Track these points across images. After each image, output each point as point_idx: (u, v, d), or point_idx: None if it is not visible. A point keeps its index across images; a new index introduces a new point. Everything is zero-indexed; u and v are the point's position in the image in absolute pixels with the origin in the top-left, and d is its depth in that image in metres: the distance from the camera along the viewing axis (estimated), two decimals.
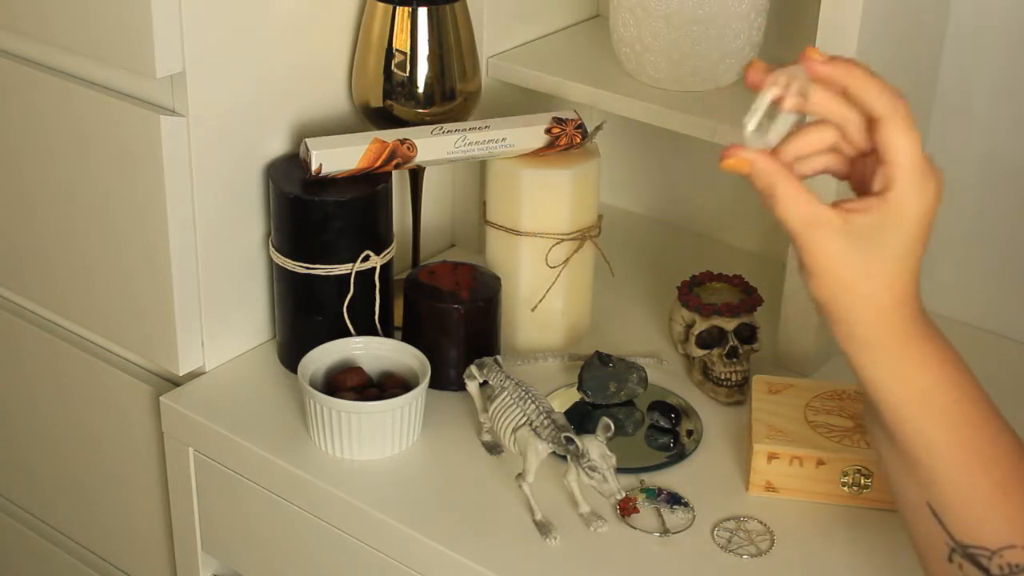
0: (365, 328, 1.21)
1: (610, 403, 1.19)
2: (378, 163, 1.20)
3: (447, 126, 1.22)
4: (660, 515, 1.08)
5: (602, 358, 1.19)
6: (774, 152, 0.82)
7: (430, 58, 1.24)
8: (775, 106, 0.80)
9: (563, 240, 1.25)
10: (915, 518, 0.87)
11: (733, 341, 1.20)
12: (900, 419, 0.84)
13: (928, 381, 0.83)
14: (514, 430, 1.07)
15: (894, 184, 0.80)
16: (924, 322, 0.84)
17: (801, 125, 0.83)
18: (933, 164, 0.82)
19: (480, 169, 1.37)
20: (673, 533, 1.06)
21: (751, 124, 0.80)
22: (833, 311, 0.83)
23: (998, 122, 1.27)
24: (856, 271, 0.81)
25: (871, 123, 0.81)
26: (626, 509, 1.07)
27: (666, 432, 1.18)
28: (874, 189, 0.81)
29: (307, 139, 1.19)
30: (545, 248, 1.25)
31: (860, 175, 0.84)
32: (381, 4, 1.23)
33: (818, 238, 0.81)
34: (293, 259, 1.20)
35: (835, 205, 0.81)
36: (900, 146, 0.80)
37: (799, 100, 0.80)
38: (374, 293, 1.21)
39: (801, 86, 0.79)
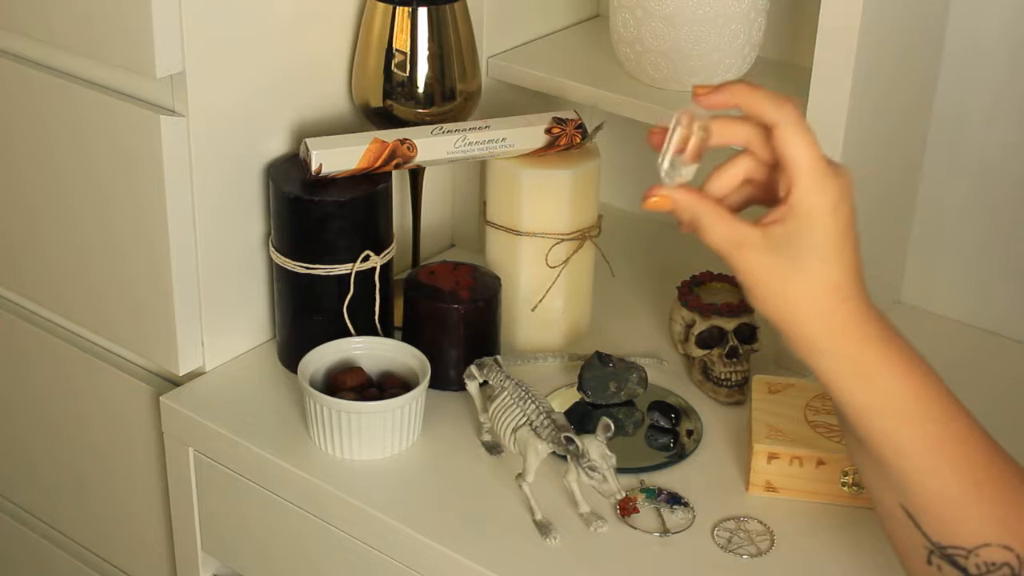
0: (365, 328, 1.21)
1: (610, 403, 1.19)
2: (378, 163, 1.20)
3: (447, 126, 1.22)
4: (660, 515, 1.08)
5: (602, 358, 1.19)
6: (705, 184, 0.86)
7: (430, 58, 1.24)
8: (682, 147, 0.85)
9: (563, 240, 1.25)
10: (892, 522, 0.87)
11: (733, 341, 1.20)
12: (866, 422, 0.84)
13: (890, 382, 0.83)
14: (514, 430, 1.07)
15: (795, 185, 0.82)
16: (878, 323, 0.84)
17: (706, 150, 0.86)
18: (835, 163, 0.83)
19: (480, 169, 1.37)
20: (673, 533, 1.06)
21: (665, 163, 0.85)
22: (783, 324, 0.84)
23: (997, 124, 1.27)
24: (788, 280, 0.83)
25: (769, 133, 0.83)
26: (626, 509, 1.07)
27: (666, 432, 1.18)
28: (780, 195, 0.83)
29: (307, 139, 1.19)
30: (545, 248, 1.25)
31: (775, 192, 0.86)
32: (381, 4, 1.23)
33: (747, 257, 0.83)
34: (293, 259, 1.20)
35: (755, 223, 0.84)
36: (793, 147, 0.82)
37: (703, 134, 0.84)
38: (374, 293, 1.21)
39: (702, 120, 0.84)
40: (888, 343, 0.84)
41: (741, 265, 0.84)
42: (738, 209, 0.89)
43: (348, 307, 1.20)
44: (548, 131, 1.23)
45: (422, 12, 1.23)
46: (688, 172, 0.85)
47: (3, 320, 1.40)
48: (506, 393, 1.09)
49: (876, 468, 0.86)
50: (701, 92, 0.85)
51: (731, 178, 0.87)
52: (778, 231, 0.83)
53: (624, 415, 1.19)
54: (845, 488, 1.08)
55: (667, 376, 1.25)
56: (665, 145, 0.85)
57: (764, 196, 0.88)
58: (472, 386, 1.15)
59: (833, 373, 0.84)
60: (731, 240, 0.84)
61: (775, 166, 0.85)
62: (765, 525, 1.07)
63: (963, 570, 0.83)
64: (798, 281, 0.83)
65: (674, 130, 0.84)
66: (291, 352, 1.22)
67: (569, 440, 1.02)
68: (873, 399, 0.83)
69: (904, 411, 0.83)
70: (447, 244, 1.46)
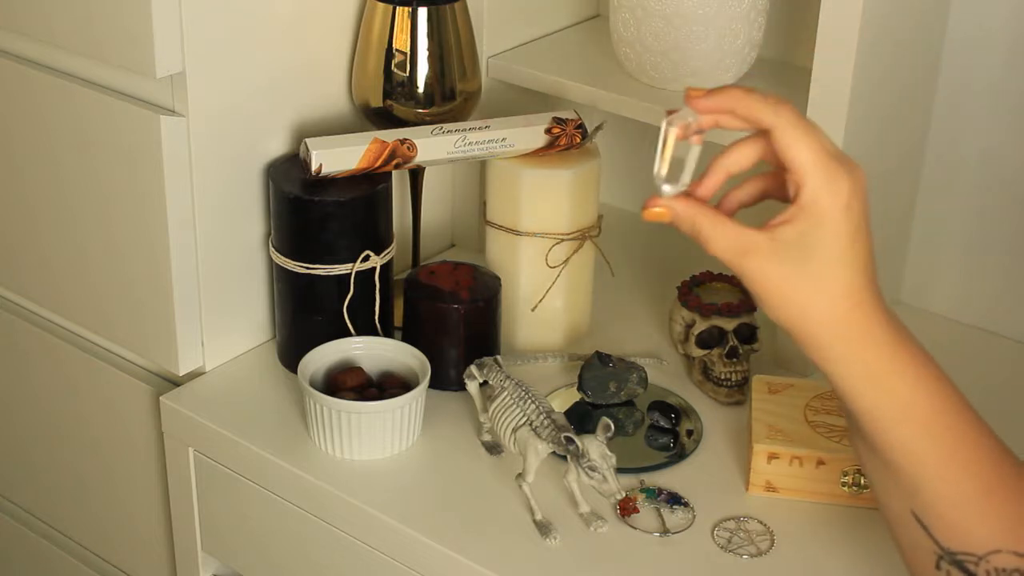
0: (365, 328, 1.21)
1: (610, 403, 1.19)
2: (378, 163, 1.20)
3: (447, 126, 1.22)
4: (660, 515, 1.08)
5: (602, 358, 1.19)
6: (701, 179, 0.84)
7: (430, 58, 1.24)
8: (681, 146, 0.83)
9: (563, 240, 1.25)
10: (901, 526, 0.87)
11: (733, 341, 1.20)
12: (878, 427, 0.83)
13: (902, 386, 0.82)
14: (514, 430, 1.07)
15: (802, 185, 0.80)
16: (891, 325, 0.83)
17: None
18: (846, 157, 0.82)
19: (480, 169, 1.37)
20: (673, 533, 1.06)
21: (661, 170, 0.83)
22: (795, 329, 0.83)
23: (998, 122, 1.27)
24: (800, 285, 0.81)
25: (768, 136, 0.82)
26: (626, 509, 1.07)
27: (666, 432, 1.18)
28: (791, 197, 0.82)
29: (307, 139, 1.19)
30: (545, 248, 1.25)
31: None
32: (381, 4, 1.23)
33: (755, 264, 0.82)
34: (293, 259, 1.20)
35: (762, 227, 0.82)
36: (795, 147, 0.80)
37: (698, 136, 0.83)
38: (374, 293, 1.21)
39: (695, 123, 0.83)
40: (901, 347, 0.83)
41: (749, 272, 0.82)
42: (752, 203, 0.88)
43: (348, 307, 1.20)
44: (548, 131, 1.23)
45: (422, 12, 1.23)
46: (687, 176, 0.84)
47: (3, 320, 1.40)
48: (506, 393, 1.09)
49: (886, 472, 0.85)
50: (694, 95, 0.83)
51: (739, 159, 0.85)
52: (788, 233, 0.81)
53: (624, 415, 1.19)
54: (845, 488, 1.08)
55: (667, 376, 1.25)
56: (658, 153, 0.83)
57: (781, 193, 0.86)
58: (472, 386, 1.15)
59: (846, 378, 0.83)
60: (736, 248, 0.82)
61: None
62: (765, 525, 1.07)
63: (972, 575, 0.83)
64: (810, 285, 0.81)
65: (666, 137, 0.83)
66: (291, 352, 1.22)
67: (569, 440, 1.02)
68: (886, 404, 0.83)
69: (917, 417, 0.82)
70: (447, 244, 1.46)
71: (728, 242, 0.82)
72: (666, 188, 0.84)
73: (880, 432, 0.83)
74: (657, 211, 0.84)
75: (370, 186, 1.19)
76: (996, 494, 0.83)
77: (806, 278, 0.81)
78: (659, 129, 0.84)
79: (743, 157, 0.85)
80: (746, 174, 0.87)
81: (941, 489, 0.83)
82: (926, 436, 0.83)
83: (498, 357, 1.15)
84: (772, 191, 0.87)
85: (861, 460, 0.89)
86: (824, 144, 0.81)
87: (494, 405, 1.10)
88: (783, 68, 1.33)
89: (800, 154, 0.80)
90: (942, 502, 0.83)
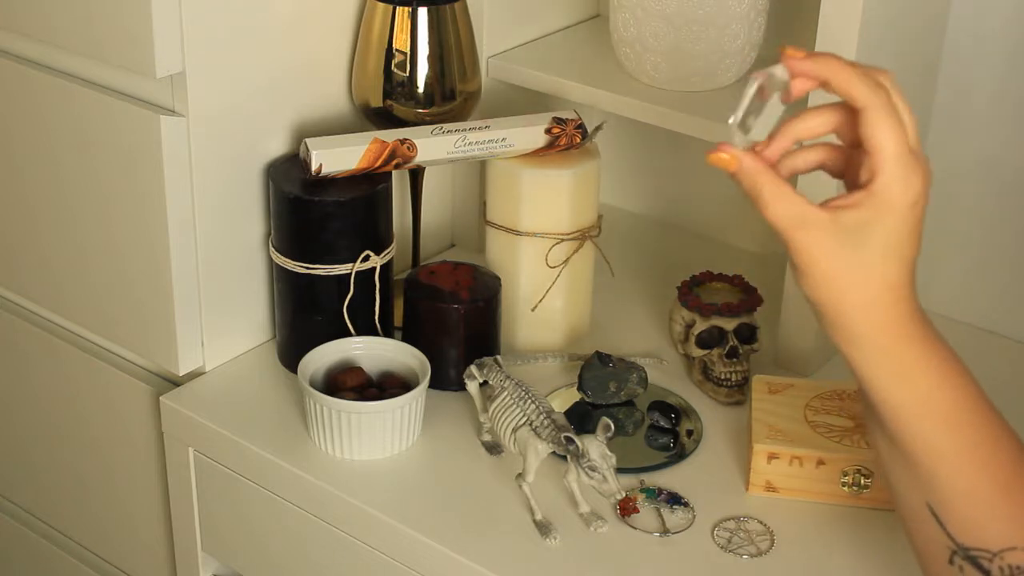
0: (365, 328, 1.21)
1: (610, 403, 1.19)
2: (378, 163, 1.20)
3: (447, 126, 1.22)
4: (660, 515, 1.08)
5: (602, 358, 1.19)
6: (769, 140, 0.82)
7: (430, 58, 1.24)
8: (760, 103, 0.81)
9: (563, 240, 1.25)
10: (915, 520, 0.87)
11: (733, 341, 1.20)
12: (901, 420, 0.83)
13: (929, 382, 0.82)
14: (514, 430, 1.07)
15: (878, 173, 0.79)
16: (923, 322, 0.84)
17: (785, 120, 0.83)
18: (922, 154, 0.81)
19: (480, 169, 1.37)
20: (673, 533, 1.06)
21: (736, 119, 0.81)
22: (830, 311, 0.82)
23: (998, 123, 1.27)
24: (850, 269, 0.80)
25: (855, 114, 0.80)
26: (626, 509, 1.07)
27: (666, 432, 1.18)
28: (861, 181, 0.81)
29: (307, 139, 1.19)
30: (545, 248, 1.25)
31: (854, 173, 0.84)
32: (381, 4, 1.23)
33: (808, 239, 0.80)
34: (293, 259, 1.20)
35: (824, 204, 0.81)
36: (882, 134, 0.79)
37: (785, 95, 0.80)
38: (374, 293, 1.21)
39: (782, 84, 0.80)
40: (930, 343, 0.83)
41: (800, 245, 0.81)
42: (807, 172, 0.86)
43: (348, 307, 1.20)
44: (548, 131, 1.23)
45: (422, 12, 1.23)
46: (759, 132, 0.81)
47: (3, 320, 1.40)
48: (506, 393, 1.09)
49: (903, 465, 0.85)
50: (793, 55, 0.81)
51: (810, 128, 0.83)
52: (850, 217, 0.80)
53: (624, 415, 1.19)
54: (845, 488, 1.08)
55: (667, 376, 1.25)
56: (740, 101, 0.80)
57: (837, 167, 0.85)
58: (472, 386, 1.15)
59: (873, 368, 0.83)
60: (793, 219, 0.80)
61: (857, 146, 0.82)
62: (765, 525, 1.07)
63: (986, 572, 0.83)
64: (860, 271, 0.80)
65: (751, 89, 0.80)
66: (291, 352, 1.22)
67: (569, 440, 1.02)
68: (911, 399, 0.82)
69: (940, 412, 0.82)
70: (447, 244, 1.46)
71: (786, 211, 0.81)
72: (738, 139, 0.81)
73: (901, 424, 0.83)
74: (724, 157, 0.81)
75: (370, 186, 1.19)
76: (1013, 492, 0.83)
77: (858, 264, 0.80)
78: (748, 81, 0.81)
79: (816, 126, 0.83)
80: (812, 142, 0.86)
81: (959, 484, 0.83)
82: (947, 431, 0.83)
83: (498, 357, 1.15)
84: (829, 164, 0.86)
85: (877, 452, 0.88)
86: (908, 135, 0.80)
87: (494, 405, 1.10)
88: None
89: (886, 142, 0.79)
90: (959, 497, 0.83)
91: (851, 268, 0.81)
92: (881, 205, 0.80)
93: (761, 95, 0.81)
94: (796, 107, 0.86)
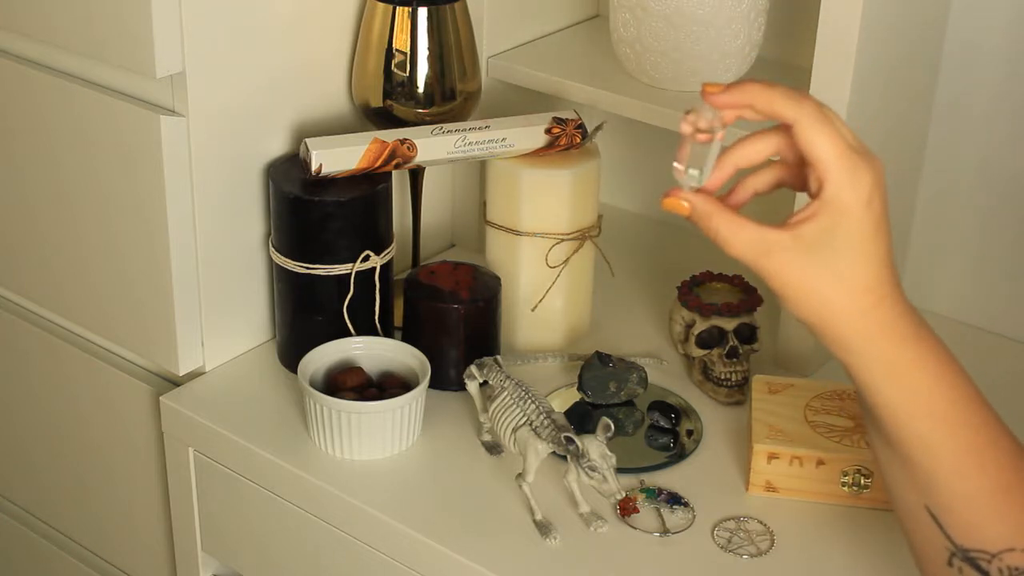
0: (365, 328, 1.21)
1: (610, 403, 1.19)
2: (378, 163, 1.20)
3: (447, 126, 1.22)
4: (660, 515, 1.08)
5: (602, 358, 1.19)
6: (713, 173, 0.83)
7: (430, 58, 1.24)
8: (703, 144, 0.83)
9: (563, 240, 1.25)
10: (913, 522, 0.87)
11: (733, 341, 1.20)
12: (897, 422, 0.83)
13: (925, 382, 0.82)
14: (514, 430, 1.07)
15: (825, 181, 0.80)
16: (914, 321, 0.83)
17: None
18: (867, 150, 0.81)
19: (480, 169, 1.37)
20: (673, 533, 1.06)
21: (681, 164, 0.83)
22: (817, 325, 0.83)
23: (998, 123, 1.27)
24: (823, 281, 0.81)
25: (789, 131, 0.81)
26: (626, 509, 1.07)
27: (666, 432, 1.18)
28: (811, 192, 0.82)
29: (307, 139, 1.19)
30: (545, 248, 1.25)
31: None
32: (381, 4, 1.23)
33: (776, 263, 0.81)
34: (293, 259, 1.20)
35: (782, 225, 0.82)
36: (816, 142, 0.80)
37: (721, 132, 0.82)
38: (374, 293, 1.21)
39: (715, 119, 0.82)
40: (922, 341, 0.83)
41: (771, 271, 0.82)
42: (767, 191, 0.87)
43: (348, 307, 1.20)
44: (548, 131, 1.23)
45: (422, 12, 1.23)
46: (703, 175, 0.83)
47: (3, 320, 1.40)
48: (506, 393, 1.09)
49: (902, 467, 0.85)
50: (712, 91, 0.82)
51: (756, 152, 0.84)
52: (810, 229, 0.81)
53: (624, 415, 1.19)
54: (845, 488, 1.08)
55: (667, 376, 1.25)
56: (681, 148, 0.83)
57: (797, 183, 0.86)
58: (472, 386, 1.15)
59: (866, 372, 0.83)
60: (756, 250, 0.82)
61: (803, 162, 0.83)
62: (765, 525, 1.07)
63: (985, 573, 0.83)
64: (833, 281, 0.81)
65: (688, 131, 0.82)
66: (291, 352, 1.22)
67: (569, 440, 1.02)
68: (906, 399, 0.82)
69: (936, 412, 0.82)
70: (447, 244, 1.46)
71: (747, 243, 0.82)
72: (686, 182, 0.83)
73: (898, 426, 0.83)
74: (673, 201, 0.83)
75: (370, 186, 1.19)
76: (1012, 492, 0.83)
77: (829, 274, 0.81)
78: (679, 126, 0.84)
79: (754, 152, 0.85)
80: (756, 168, 0.87)
81: (957, 485, 0.83)
82: (944, 431, 0.82)
83: (498, 357, 1.15)
84: (787, 180, 0.87)
85: (876, 454, 0.88)
86: (845, 137, 0.81)
87: (494, 405, 1.10)
88: (783, 68, 1.33)
89: (823, 150, 0.80)
90: (957, 499, 0.83)
91: (824, 279, 0.81)
92: (835, 211, 0.80)
93: (699, 136, 0.82)
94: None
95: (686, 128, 0.82)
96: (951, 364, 0.84)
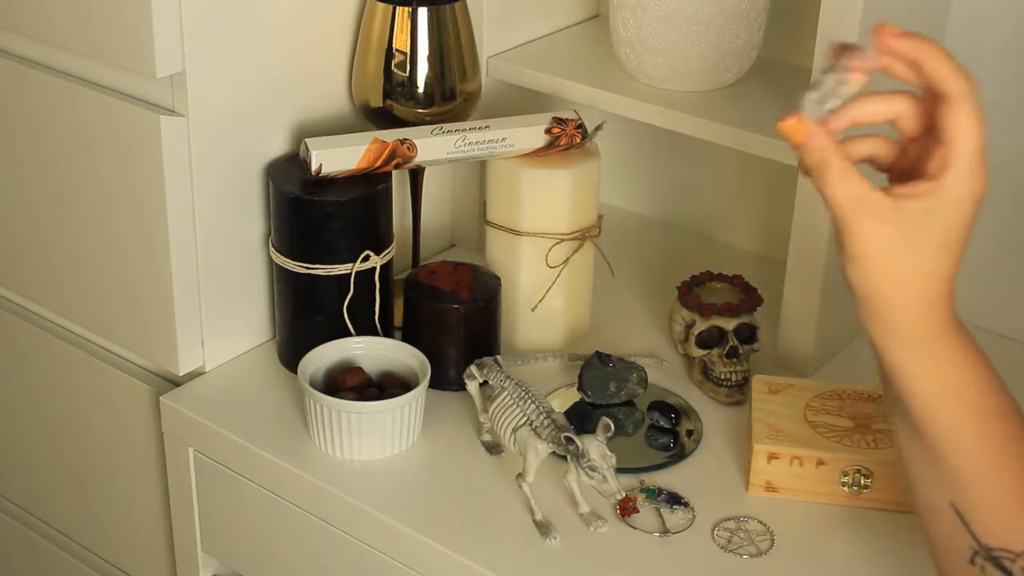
0: (365, 328, 1.21)
1: (610, 403, 1.19)
2: (378, 163, 1.20)
3: (447, 126, 1.22)
4: (660, 515, 1.08)
5: (602, 358, 1.19)
6: (831, 118, 0.80)
7: (430, 58, 1.24)
8: (839, 80, 0.79)
9: (563, 240, 1.25)
10: (936, 518, 0.85)
11: (733, 341, 1.20)
12: (931, 415, 0.82)
13: (962, 377, 0.82)
14: (514, 430, 1.07)
15: (951, 167, 0.78)
16: (957, 319, 0.83)
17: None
18: (986, 156, 0.79)
19: (480, 169, 1.37)
20: (673, 533, 1.06)
21: (814, 91, 0.79)
22: (875, 301, 0.80)
23: (997, 127, 1.26)
24: (908, 260, 0.79)
25: (939, 102, 0.78)
26: (626, 509, 1.07)
27: (666, 432, 1.18)
28: (929, 171, 0.79)
29: (307, 139, 1.19)
30: (545, 248, 1.25)
31: (903, 166, 0.82)
32: (381, 4, 1.23)
33: (866, 224, 0.78)
34: (293, 259, 1.20)
35: (885, 190, 0.79)
36: (967, 127, 0.77)
37: (865, 77, 0.78)
38: (374, 293, 1.21)
39: (868, 60, 0.78)
40: (965, 340, 0.83)
41: (858, 230, 0.78)
42: (855, 161, 0.83)
43: (348, 307, 1.20)
44: (548, 131, 1.23)
45: (422, 12, 1.23)
46: (833, 106, 0.79)
47: (3, 320, 1.40)
48: (506, 393, 1.09)
49: (929, 461, 0.84)
50: (888, 31, 0.78)
51: (873, 113, 0.81)
52: (915, 206, 0.78)
53: (624, 415, 1.19)
54: (845, 488, 1.08)
55: (667, 376, 1.25)
56: (822, 78, 0.78)
57: (887, 161, 0.83)
58: (472, 386, 1.15)
59: (911, 362, 0.81)
60: (854, 202, 0.78)
61: (916, 142, 0.80)
62: (765, 525, 1.07)
63: (1008, 573, 0.82)
64: (917, 262, 0.79)
65: (835, 61, 0.78)
66: (291, 352, 1.22)
67: (569, 440, 1.02)
68: (943, 390, 0.81)
69: (970, 405, 0.82)
70: (447, 244, 1.46)
71: (849, 193, 0.78)
72: (808, 109, 0.79)
73: (930, 418, 0.82)
74: (792, 124, 0.79)
75: (370, 186, 1.19)
76: None
77: (914, 256, 0.79)
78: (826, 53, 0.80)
79: (878, 111, 0.81)
80: (867, 129, 0.84)
81: (985, 483, 0.82)
82: (975, 424, 0.82)
83: (498, 357, 1.15)
84: (879, 156, 0.84)
85: (901, 448, 0.87)
86: (982, 136, 0.79)
87: (494, 405, 1.10)
88: (783, 68, 1.33)
89: (967, 135, 0.77)
90: (984, 497, 0.82)
91: (909, 258, 0.79)
92: (948, 198, 0.78)
93: (845, 72, 0.78)
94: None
95: (834, 58, 0.78)
96: (985, 360, 0.83)
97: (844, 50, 0.79)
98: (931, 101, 0.80)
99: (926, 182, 0.78)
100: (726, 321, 1.21)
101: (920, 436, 0.84)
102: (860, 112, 0.81)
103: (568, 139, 1.24)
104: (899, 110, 0.81)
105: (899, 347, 0.82)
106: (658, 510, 1.08)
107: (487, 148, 1.22)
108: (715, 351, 1.21)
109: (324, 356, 1.18)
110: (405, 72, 1.24)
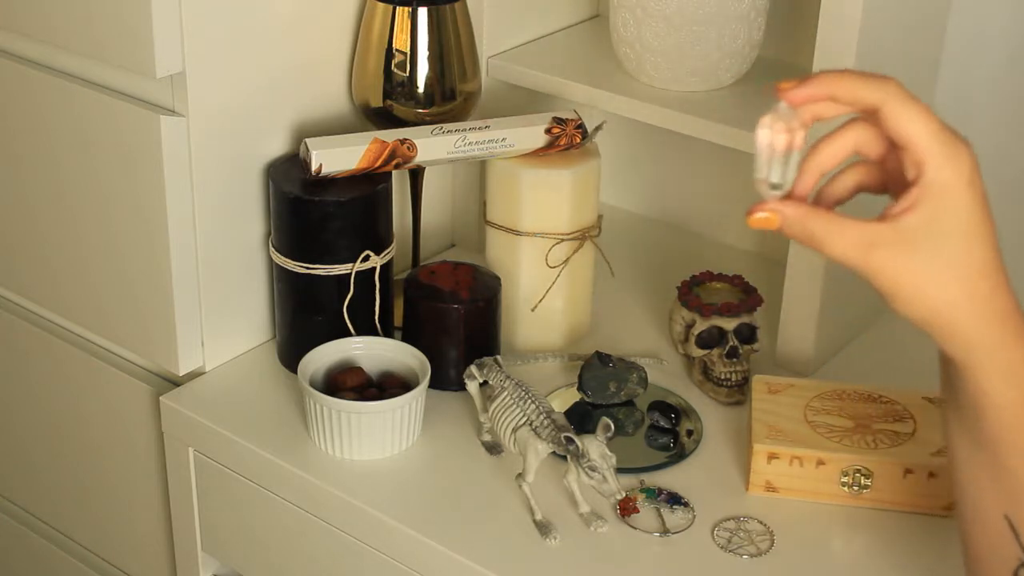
0: (365, 328, 1.21)
1: (610, 403, 1.19)
2: (378, 163, 1.20)
3: (447, 126, 1.22)
4: (660, 515, 1.08)
5: (602, 358, 1.19)
6: (799, 180, 0.78)
7: (430, 58, 1.24)
8: (781, 152, 0.78)
9: (563, 240, 1.25)
10: (984, 527, 0.82)
11: (733, 341, 1.20)
12: (1004, 425, 0.78)
13: None
14: (514, 430, 1.07)
15: (924, 162, 0.75)
16: (1021, 310, 0.78)
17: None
18: (957, 131, 0.77)
19: (480, 169, 1.37)
20: (673, 533, 1.06)
21: (763, 174, 0.78)
22: (932, 322, 0.77)
23: (997, 127, 1.27)
24: (935, 272, 0.76)
25: (875, 118, 0.77)
26: (626, 509, 1.07)
27: (666, 432, 1.18)
28: (909, 179, 0.76)
29: (307, 139, 1.19)
30: (545, 248, 1.25)
31: (897, 181, 0.79)
32: (381, 4, 1.23)
33: (879, 258, 0.76)
34: (293, 259, 1.20)
35: (881, 217, 0.76)
36: (910, 121, 0.75)
37: (802, 132, 0.77)
38: (374, 293, 1.21)
39: (792, 120, 0.77)
40: None
41: (877, 268, 0.76)
42: (848, 198, 0.82)
43: (348, 307, 1.20)
44: (548, 131, 1.23)
45: (422, 12, 1.23)
46: (790, 177, 0.78)
47: (3, 320, 1.40)
48: (506, 393, 1.09)
49: (990, 472, 0.80)
50: (786, 87, 0.77)
51: (835, 154, 0.78)
52: (913, 218, 0.75)
53: (624, 415, 1.19)
54: (845, 488, 1.08)
55: (667, 376, 1.25)
56: (759, 156, 0.77)
57: (877, 183, 0.81)
58: (472, 386, 1.15)
59: (986, 371, 0.77)
60: (856, 246, 0.75)
61: (889, 155, 0.78)
62: (765, 525, 1.07)
63: None
64: (945, 270, 0.75)
65: (766, 138, 0.77)
66: (291, 352, 1.22)
67: (569, 440, 1.02)
68: (1018, 399, 0.77)
69: None
70: (447, 244, 1.46)
71: (848, 242, 0.76)
72: (768, 193, 0.78)
73: (1003, 428, 0.78)
74: (763, 216, 0.77)
75: (370, 186, 1.19)
76: None
77: (940, 263, 0.75)
78: (756, 133, 0.78)
79: (837, 150, 0.79)
80: (838, 169, 0.82)
81: None
82: None
83: (498, 357, 1.15)
84: (868, 183, 0.82)
85: (955, 455, 0.83)
86: (935, 117, 0.76)
87: (494, 405, 1.10)
88: (783, 68, 1.33)
89: (918, 128, 0.75)
90: None
91: (935, 269, 0.76)
92: (938, 193, 0.75)
93: (776, 143, 0.77)
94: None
95: (763, 136, 0.77)
96: None
97: (763, 122, 0.78)
98: (873, 118, 0.77)
99: (913, 190, 0.76)
100: (726, 321, 1.21)
101: (987, 446, 0.80)
102: (820, 161, 0.79)
103: (568, 139, 1.24)
104: (855, 139, 0.79)
105: (972, 356, 0.77)
106: (658, 510, 1.08)
107: (487, 148, 1.22)
108: (715, 351, 1.21)
109: (324, 356, 1.18)
110: (405, 72, 1.24)
